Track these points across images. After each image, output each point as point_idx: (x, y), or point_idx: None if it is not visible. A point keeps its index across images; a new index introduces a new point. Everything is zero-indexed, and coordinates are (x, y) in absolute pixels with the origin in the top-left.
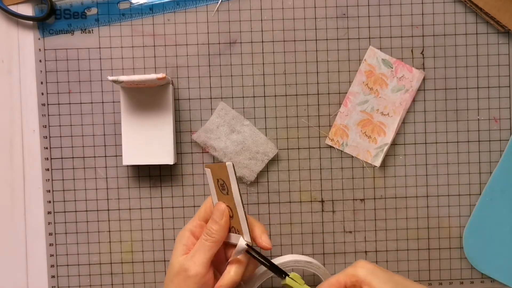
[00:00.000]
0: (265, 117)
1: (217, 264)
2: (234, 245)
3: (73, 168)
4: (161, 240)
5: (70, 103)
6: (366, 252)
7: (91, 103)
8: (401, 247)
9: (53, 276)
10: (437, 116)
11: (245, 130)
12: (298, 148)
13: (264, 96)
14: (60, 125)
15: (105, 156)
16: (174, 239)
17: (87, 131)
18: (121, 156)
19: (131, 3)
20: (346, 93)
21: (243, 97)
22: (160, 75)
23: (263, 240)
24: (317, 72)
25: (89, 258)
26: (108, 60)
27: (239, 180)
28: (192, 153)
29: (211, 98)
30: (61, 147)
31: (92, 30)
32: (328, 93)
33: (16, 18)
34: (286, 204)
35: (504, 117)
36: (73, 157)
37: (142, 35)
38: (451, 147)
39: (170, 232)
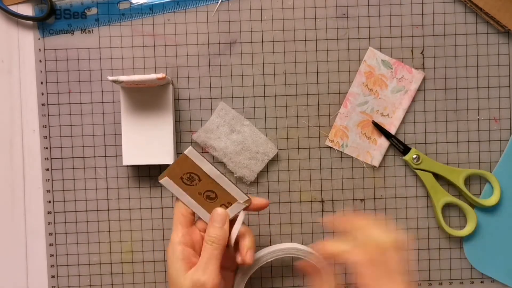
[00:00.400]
0: (265, 117)
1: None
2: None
3: (73, 168)
4: (161, 240)
5: (70, 103)
6: None
7: (91, 103)
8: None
9: (53, 276)
10: (437, 116)
11: (245, 130)
12: (298, 148)
13: (264, 96)
14: (60, 125)
15: (105, 156)
16: None
17: (87, 131)
18: (121, 156)
19: (131, 3)
20: (346, 93)
21: (243, 97)
22: (160, 75)
23: (247, 257)
24: (317, 72)
25: (89, 258)
26: (108, 60)
27: (239, 180)
28: None
29: (211, 98)
30: (61, 147)
31: (92, 30)
32: (328, 93)
33: (16, 18)
34: (286, 204)
35: (504, 117)
36: (73, 157)
37: (142, 35)
38: (451, 147)
39: (170, 232)
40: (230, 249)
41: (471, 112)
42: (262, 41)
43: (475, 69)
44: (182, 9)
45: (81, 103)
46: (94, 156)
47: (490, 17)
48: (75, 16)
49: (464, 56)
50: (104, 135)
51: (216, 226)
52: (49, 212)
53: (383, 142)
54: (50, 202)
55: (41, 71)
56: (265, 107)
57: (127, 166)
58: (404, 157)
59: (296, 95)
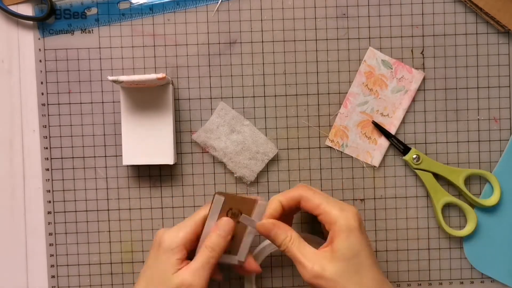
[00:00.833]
0: (265, 117)
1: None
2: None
3: (73, 168)
4: None
5: (70, 103)
6: None
7: (91, 103)
8: (401, 247)
9: (53, 276)
10: (437, 116)
11: (245, 130)
12: (298, 148)
13: (264, 96)
14: (60, 125)
15: (105, 156)
16: None
17: (87, 131)
18: (121, 156)
19: (131, 3)
20: (346, 93)
21: (243, 97)
22: (160, 75)
23: (251, 264)
24: (317, 72)
25: (89, 258)
26: (108, 60)
27: (239, 180)
28: (192, 153)
29: (211, 98)
30: (61, 147)
31: (92, 30)
32: (328, 93)
33: (16, 18)
34: None
35: (504, 117)
36: (73, 157)
37: (142, 35)
38: (451, 147)
39: None
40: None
41: (471, 112)
42: (262, 41)
43: (475, 69)
44: (182, 9)
45: (81, 103)
46: (94, 156)
47: (490, 17)
48: (75, 16)
49: (464, 56)
50: (104, 135)
51: (221, 234)
52: (49, 212)
53: (383, 142)
54: (50, 202)
55: (41, 71)
56: (265, 107)
57: (127, 166)
58: (404, 157)
59: (296, 95)
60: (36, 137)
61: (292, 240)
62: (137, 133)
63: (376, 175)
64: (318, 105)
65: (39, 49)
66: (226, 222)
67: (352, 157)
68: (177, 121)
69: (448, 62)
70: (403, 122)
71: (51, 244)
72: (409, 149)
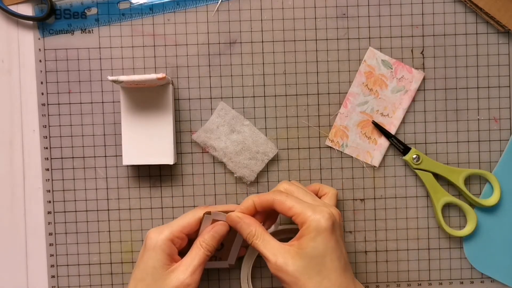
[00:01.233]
0: (265, 117)
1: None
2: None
3: (73, 168)
4: None
5: (70, 103)
6: (366, 252)
7: (91, 103)
8: (401, 247)
9: (53, 276)
10: (437, 116)
11: (245, 130)
12: (298, 148)
13: (264, 96)
14: (60, 125)
15: (105, 156)
16: None
17: (87, 131)
18: (121, 156)
19: (131, 3)
20: (346, 93)
21: (243, 97)
22: (160, 75)
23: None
24: (317, 72)
25: (89, 258)
26: (108, 60)
27: (239, 180)
28: (192, 153)
29: (211, 98)
30: (61, 147)
31: (92, 30)
32: (328, 93)
33: (16, 18)
34: None
35: (504, 117)
36: (73, 157)
37: (142, 35)
38: (451, 147)
39: None
40: None
41: (471, 112)
42: (262, 41)
43: (475, 69)
44: (182, 9)
45: (81, 103)
46: (94, 156)
47: (490, 17)
48: (75, 16)
49: (464, 56)
50: (104, 135)
51: (215, 236)
52: (49, 212)
53: (383, 142)
54: (50, 202)
55: (41, 71)
56: (265, 107)
57: (127, 166)
58: (404, 157)
59: (296, 95)
60: (36, 137)
61: (256, 235)
62: (137, 133)
63: (376, 175)
64: (318, 105)
65: (39, 49)
66: (221, 226)
67: (352, 157)
68: (177, 121)
69: (448, 62)
70: (403, 122)
71: (51, 244)
72: (409, 149)
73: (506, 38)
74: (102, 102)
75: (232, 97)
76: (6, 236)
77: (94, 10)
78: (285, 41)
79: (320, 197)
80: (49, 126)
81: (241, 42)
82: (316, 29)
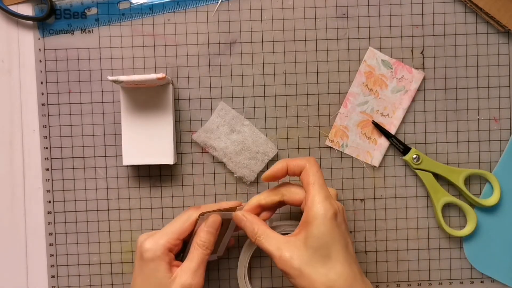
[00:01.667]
0: (265, 117)
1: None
2: None
3: (73, 168)
4: None
5: (70, 103)
6: (366, 252)
7: (91, 103)
8: (401, 247)
9: (53, 276)
10: (437, 116)
11: (245, 130)
12: (298, 148)
13: (264, 96)
14: (60, 125)
15: (105, 156)
16: None
17: (87, 131)
18: (121, 156)
19: (131, 3)
20: (346, 93)
21: (243, 97)
22: (160, 75)
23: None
24: (317, 72)
25: (89, 258)
26: (108, 60)
27: (239, 180)
28: (192, 153)
29: (211, 98)
30: (61, 147)
31: (92, 30)
32: (328, 93)
33: (16, 18)
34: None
35: (504, 117)
36: (73, 157)
37: (142, 35)
38: (451, 147)
39: None
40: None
41: (471, 112)
42: (262, 41)
43: (475, 69)
44: (182, 9)
45: (81, 103)
46: (94, 156)
47: (490, 17)
48: (75, 16)
49: (464, 56)
50: (104, 135)
51: (211, 231)
52: (49, 212)
53: (383, 142)
54: (50, 202)
55: (41, 71)
56: (265, 107)
57: (127, 166)
58: (404, 157)
59: (296, 95)
60: (36, 137)
61: (258, 233)
62: (137, 133)
63: (376, 175)
64: (318, 105)
65: (39, 49)
66: (214, 219)
67: (352, 157)
68: (177, 121)
69: (448, 62)
70: (403, 122)
71: (51, 244)
72: (409, 149)
73: (506, 38)
74: (102, 102)
75: (232, 97)
76: (6, 236)
77: (94, 10)
78: (285, 41)
79: None
80: (49, 126)
81: (241, 42)
82: (316, 29)
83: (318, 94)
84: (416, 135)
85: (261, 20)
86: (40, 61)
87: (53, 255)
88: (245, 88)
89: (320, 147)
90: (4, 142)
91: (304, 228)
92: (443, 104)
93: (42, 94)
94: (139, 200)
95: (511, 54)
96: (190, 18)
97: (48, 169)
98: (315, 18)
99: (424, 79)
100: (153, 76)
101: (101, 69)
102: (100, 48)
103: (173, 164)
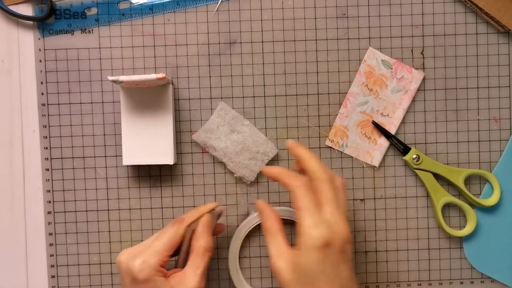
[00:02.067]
0: (265, 117)
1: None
2: None
3: (73, 168)
4: None
5: (70, 103)
6: (366, 252)
7: (91, 103)
8: (401, 247)
9: (53, 276)
10: (437, 116)
11: (245, 130)
12: None
13: (264, 96)
14: (60, 125)
15: (105, 156)
16: None
17: (87, 131)
18: (121, 156)
19: (131, 3)
20: (346, 93)
21: (243, 97)
22: (160, 75)
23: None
24: (317, 72)
25: (89, 258)
26: (108, 60)
27: (239, 180)
28: (192, 153)
29: (211, 98)
30: (61, 147)
31: (92, 30)
32: (328, 93)
33: (16, 18)
34: (286, 204)
35: (504, 117)
36: (73, 157)
37: (142, 35)
38: (451, 147)
39: None
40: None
41: (471, 112)
42: (262, 41)
43: (475, 69)
44: (182, 9)
45: (81, 103)
46: (94, 156)
47: (490, 17)
48: (75, 16)
49: (464, 56)
50: (104, 135)
51: (207, 231)
52: (49, 212)
53: (383, 142)
54: (50, 202)
55: (41, 71)
56: (265, 107)
57: (127, 166)
58: (404, 157)
59: (296, 95)
60: (36, 137)
61: (269, 230)
62: (137, 133)
63: (376, 175)
64: (318, 105)
65: (39, 49)
66: (207, 219)
67: (352, 157)
68: (177, 121)
69: (448, 62)
70: (403, 122)
71: (51, 244)
72: (409, 149)
73: (506, 38)
74: (102, 102)
75: (232, 97)
76: (6, 236)
77: (94, 10)
78: (285, 41)
79: None
80: (49, 126)
81: (241, 42)
82: (316, 29)
83: (318, 94)
84: (416, 135)
85: (261, 20)
86: (40, 61)
87: (53, 255)
88: (245, 88)
89: (320, 147)
90: (4, 142)
91: (298, 246)
92: (443, 104)
93: (42, 94)
94: (139, 200)
95: (511, 54)
96: (190, 18)
97: (48, 169)
98: (315, 18)
99: (424, 79)
100: (153, 76)
101: (101, 69)
102: (100, 48)
103: (173, 164)
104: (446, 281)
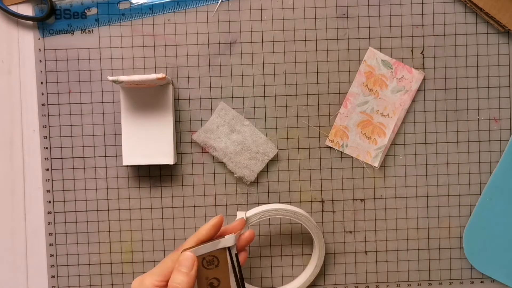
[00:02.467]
0: (265, 117)
1: None
2: None
3: (73, 168)
4: (161, 240)
5: (70, 103)
6: (366, 252)
7: (91, 103)
8: (401, 247)
9: (53, 276)
10: (437, 116)
11: (245, 130)
12: (298, 148)
13: (264, 96)
14: (60, 125)
15: (105, 156)
16: (174, 239)
17: (87, 131)
18: (121, 156)
19: (131, 3)
20: (346, 93)
21: (243, 97)
22: (160, 75)
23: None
24: (317, 72)
25: (89, 258)
26: (108, 60)
27: (239, 180)
28: (192, 153)
29: (211, 98)
30: (61, 147)
31: (92, 30)
32: (328, 93)
33: (16, 18)
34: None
35: (504, 117)
36: (73, 157)
37: (142, 35)
38: (451, 147)
39: (170, 232)
40: None
41: (471, 112)
42: (262, 41)
43: (475, 69)
44: (182, 9)
45: (81, 103)
46: (94, 156)
47: (490, 17)
48: (75, 16)
49: (464, 56)
50: (104, 135)
51: (182, 271)
52: (49, 212)
53: (383, 142)
54: (50, 202)
55: (41, 71)
56: (265, 107)
57: (127, 166)
58: None
59: (296, 95)
60: (36, 137)
61: None
62: (137, 133)
63: (376, 175)
64: (318, 105)
65: (39, 49)
66: (185, 257)
67: (352, 157)
68: (177, 121)
69: (448, 62)
70: (403, 122)
71: (51, 244)
72: None
73: (506, 38)
74: (102, 102)
75: (232, 97)
76: (6, 236)
77: (94, 10)
78: (285, 41)
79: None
80: (49, 126)
81: (241, 42)
82: (316, 29)
83: (318, 94)
84: (416, 135)
85: (261, 20)
86: (40, 61)
87: (53, 255)
88: (245, 88)
89: (320, 147)
90: (4, 142)
91: None
92: (443, 104)
93: (42, 94)
94: (139, 200)
95: (511, 54)
96: (190, 18)
97: (48, 169)
98: (315, 18)
99: (424, 79)
100: (153, 76)
101: (101, 69)
102: (100, 48)
103: (173, 164)
104: (446, 281)
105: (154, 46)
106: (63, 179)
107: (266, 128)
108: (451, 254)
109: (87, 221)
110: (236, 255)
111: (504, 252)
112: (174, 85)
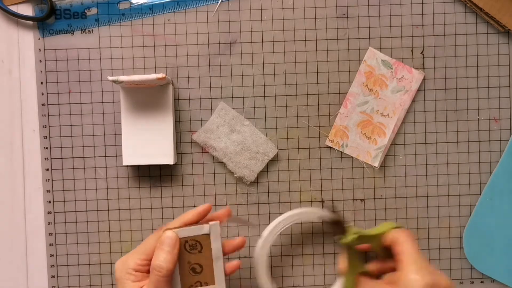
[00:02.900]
0: (265, 117)
1: None
2: None
3: (73, 168)
4: None
5: (70, 103)
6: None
7: (91, 103)
8: None
9: (53, 276)
10: (437, 116)
11: (245, 130)
12: (298, 148)
13: (264, 96)
14: (60, 125)
15: (105, 156)
16: None
17: (87, 131)
18: (121, 156)
19: (131, 3)
20: (346, 93)
21: (243, 97)
22: (160, 75)
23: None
24: (317, 72)
25: (89, 258)
26: (108, 60)
27: (239, 180)
28: (192, 153)
29: (211, 98)
30: (61, 147)
31: (92, 30)
32: (328, 93)
33: (16, 18)
34: (286, 204)
35: (504, 117)
36: (73, 157)
37: (142, 35)
38: (451, 147)
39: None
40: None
41: (471, 112)
42: (262, 41)
43: (475, 69)
44: (182, 9)
45: (81, 103)
46: (94, 156)
47: (490, 17)
48: (75, 16)
49: (464, 56)
50: (104, 135)
51: (165, 249)
52: (49, 212)
53: (383, 142)
54: (50, 202)
55: (41, 71)
56: (265, 107)
57: (127, 166)
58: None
59: (296, 95)
60: (36, 137)
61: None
62: (137, 133)
63: (376, 175)
64: (318, 105)
65: (39, 49)
66: (167, 235)
67: (352, 157)
68: (177, 121)
69: (448, 62)
70: (403, 122)
71: (51, 244)
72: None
73: (506, 38)
74: (102, 102)
75: (232, 97)
76: (6, 236)
77: (94, 10)
78: (285, 41)
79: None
80: (49, 126)
81: (241, 42)
82: (316, 29)
83: (318, 94)
84: (416, 135)
85: (261, 20)
86: (40, 61)
87: (53, 255)
88: (245, 88)
89: (320, 147)
90: (4, 142)
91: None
92: (443, 104)
93: (42, 94)
94: (139, 200)
95: (511, 54)
96: (190, 18)
97: (48, 169)
98: (315, 18)
99: (424, 79)
100: (153, 76)
101: (101, 69)
102: (100, 48)
103: (173, 164)
104: None
105: (154, 46)
106: (63, 179)
107: (266, 128)
108: (451, 254)
109: (87, 221)
110: (221, 245)
111: (504, 252)
112: (174, 85)
